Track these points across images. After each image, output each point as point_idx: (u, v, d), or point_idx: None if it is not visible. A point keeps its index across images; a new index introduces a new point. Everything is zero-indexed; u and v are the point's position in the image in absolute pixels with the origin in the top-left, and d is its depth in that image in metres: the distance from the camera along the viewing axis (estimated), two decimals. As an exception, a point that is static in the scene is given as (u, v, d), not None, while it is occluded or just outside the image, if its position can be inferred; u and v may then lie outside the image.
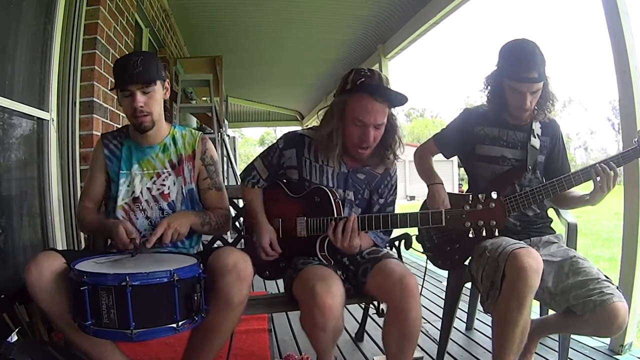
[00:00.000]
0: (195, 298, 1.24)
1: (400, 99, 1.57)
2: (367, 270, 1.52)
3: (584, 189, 1.65)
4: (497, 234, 1.36)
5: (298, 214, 1.61)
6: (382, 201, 1.70)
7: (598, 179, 1.53)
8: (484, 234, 1.35)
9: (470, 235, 1.37)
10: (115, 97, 2.64)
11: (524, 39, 1.63)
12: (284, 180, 1.70)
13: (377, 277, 1.49)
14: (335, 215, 1.55)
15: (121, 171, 1.59)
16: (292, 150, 1.66)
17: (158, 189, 1.59)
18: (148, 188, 1.59)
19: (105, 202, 1.65)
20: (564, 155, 1.77)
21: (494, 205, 1.33)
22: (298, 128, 2.18)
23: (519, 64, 1.58)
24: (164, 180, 1.60)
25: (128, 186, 1.59)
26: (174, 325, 1.21)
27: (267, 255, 1.61)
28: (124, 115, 2.79)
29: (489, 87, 1.73)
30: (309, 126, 2.19)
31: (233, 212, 2.06)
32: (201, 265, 1.31)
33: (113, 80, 1.53)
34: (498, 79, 1.68)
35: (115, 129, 2.62)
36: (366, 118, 1.52)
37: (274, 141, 1.77)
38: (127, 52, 2.92)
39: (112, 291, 1.15)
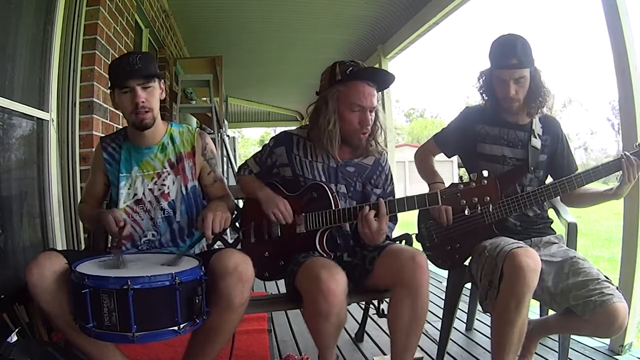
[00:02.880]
0: (197, 301, 1.24)
1: (389, 77, 1.65)
2: (375, 258, 1.53)
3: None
4: (491, 209, 1.41)
5: (296, 211, 1.63)
6: (379, 191, 1.71)
7: (625, 170, 1.53)
8: (479, 210, 1.39)
9: (467, 213, 1.40)
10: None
11: (511, 33, 1.68)
12: (280, 181, 1.72)
13: (387, 259, 1.50)
14: (334, 208, 1.57)
15: (121, 174, 1.59)
16: (281, 148, 1.71)
17: (159, 189, 1.60)
18: (150, 189, 1.60)
19: (108, 206, 1.65)
20: (568, 153, 1.77)
21: (486, 182, 1.37)
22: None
23: (499, 52, 1.64)
24: (164, 180, 1.61)
25: (129, 189, 1.59)
26: (176, 328, 1.21)
27: (285, 215, 1.60)
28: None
29: (480, 81, 1.75)
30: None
31: (233, 213, 2.07)
32: (202, 267, 1.31)
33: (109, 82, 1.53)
34: (489, 74, 1.72)
35: (114, 130, 2.63)
36: (364, 102, 1.57)
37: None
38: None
39: (113, 294, 1.15)
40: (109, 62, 2.55)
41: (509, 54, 1.61)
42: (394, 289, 1.48)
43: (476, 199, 1.36)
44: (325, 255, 1.59)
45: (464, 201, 1.38)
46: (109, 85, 1.54)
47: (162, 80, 1.59)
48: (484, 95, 1.77)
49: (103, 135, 2.44)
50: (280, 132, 1.78)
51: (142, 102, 1.49)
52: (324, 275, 1.35)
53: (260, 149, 1.81)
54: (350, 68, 1.58)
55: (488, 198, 1.36)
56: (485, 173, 1.37)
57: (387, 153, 1.77)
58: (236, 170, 1.93)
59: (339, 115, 1.60)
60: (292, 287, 1.53)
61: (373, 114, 1.61)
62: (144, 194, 1.59)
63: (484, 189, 1.36)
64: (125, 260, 1.36)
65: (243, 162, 1.82)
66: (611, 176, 1.64)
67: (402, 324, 1.44)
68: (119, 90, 1.51)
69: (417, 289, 1.41)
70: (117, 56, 2.69)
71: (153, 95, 1.52)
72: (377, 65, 5.00)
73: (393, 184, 1.77)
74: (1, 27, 1.94)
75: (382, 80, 1.64)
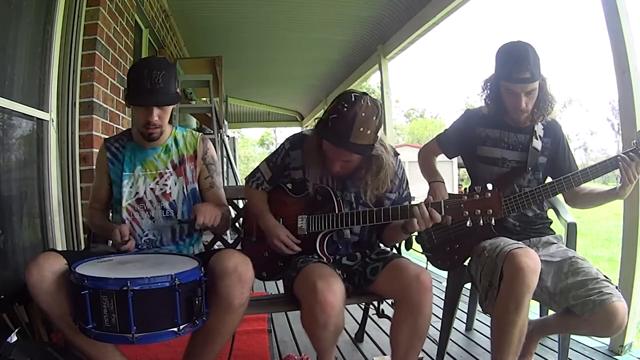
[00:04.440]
0: (197, 302, 1.24)
1: (364, 150, 1.46)
2: (378, 268, 1.53)
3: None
4: (493, 222, 1.41)
5: (299, 212, 1.63)
6: (393, 196, 1.68)
7: (624, 171, 1.52)
8: (481, 222, 1.38)
9: (468, 224, 1.40)
10: (115, 97, 2.67)
11: (519, 40, 1.64)
12: (289, 182, 1.71)
13: (391, 273, 1.50)
14: (337, 212, 1.57)
15: (124, 173, 1.61)
16: (298, 151, 1.68)
17: (161, 189, 1.62)
18: (151, 188, 1.62)
19: (111, 205, 1.67)
20: (569, 155, 1.77)
21: (489, 195, 1.37)
22: (298, 129, 2.18)
23: (511, 65, 1.60)
24: (166, 180, 1.63)
25: (131, 187, 1.61)
26: (175, 329, 1.21)
27: (289, 248, 1.60)
28: (124, 116, 2.80)
29: (486, 91, 1.74)
30: (308, 128, 2.19)
31: (233, 213, 2.07)
32: (202, 268, 1.31)
33: (126, 85, 1.53)
34: (495, 82, 1.70)
35: (114, 130, 2.63)
36: (333, 156, 1.52)
37: (275, 142, 1.79)
38: (127, 53, 2.91)
39: (113, 296, 1.15)
40: (109, 62, 2.59)
41: (522, 67, 1.57)
42: (396, 304, 1.49)
43: (479, 210, 1.37)
44: (324, 258, 1.59)
45: (467, 212, 1.39)
46: (126, 87, 1.54)
47: (178, 88, 1.59)
48: (489, 103, 1.74)
49: (103, 135, 2.45)
50: (296, 134, 1.72)
51: (156, 120, 1.52)
52: (321, 285, 1.35)
53: (273, 151, 1.76)
54: (335, 115, 1.43)
55: (491, 211, 1.36)
56: (489, 186, 1.38)
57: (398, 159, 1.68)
58: (237, 172, 1.91)
59: (323, 158, 1.55)
60: (290, 292, 1.53)
61: (356, 162, 1.54)
62: (145, 192, 1.61)
63: (487, 201, 1.37)
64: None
65: (255, 169, 1.78)
66: (611, 176, 1.63)
67: (403, 338, 1.45)
68: (134, 102, 1.53)
69: (420, 308, 1.41)
70: (117, 57, 2.71)
71: (167, 112, 1.55)
72: (376, 66, 5.03)
73: (409, 188, 1.73)
74: (1, 27, 1.93)
75: (357, 151, 1.46)
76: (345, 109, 1.42)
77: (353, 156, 1.49)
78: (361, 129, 1.41)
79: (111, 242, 1.60)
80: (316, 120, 1.55)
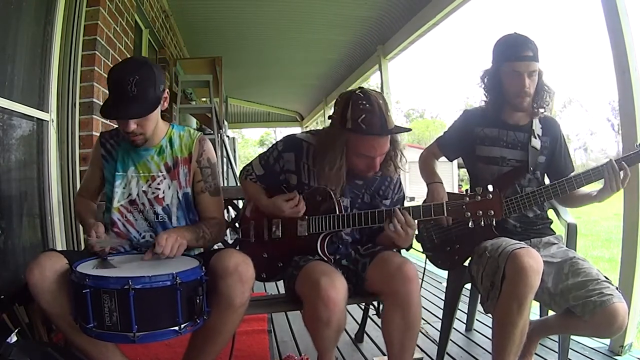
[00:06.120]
0: (198, 301, 1.24)
1: (401, 130, 1.54)
2: (366, 264, 1.54)
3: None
4: (494, 223, 1.44)
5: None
6: (388, 202, 1.68)
7: (609, 177, 1.53)
8: (482, 223, 1.40)
9: (470, 225, 1.42)
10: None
11: (516, 32, 1.69)
12: (285, 185, 1.69)
13: (377, 267, 1.50)
14: (337, 213, 1.56)
15: (117, 172, 1.56)
16: (291, 154, 1.66)
17: (153, 193, 1.56)
18: (144, 191, 1.56)
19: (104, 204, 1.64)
20: (566, 154, 1.77)
21: (491, 196, 1.40)
22: (298, 129, 2.18)
23: (514, 46, 1.64)
24: (158, 183, 1.57)
25: (124, 188, 1.56)
26: (176, 328, 1.21)
27: (297, 209, 1.57)
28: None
29: (485, 81, 1.74)
30: (308, 128, 2.18)
31: (233, 213, 2.07)
32: (203, 267, 1.31)
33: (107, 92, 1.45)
34: (494, 71, 1.71)
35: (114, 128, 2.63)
36: (372, 153, 1.51)
37: (274, 142, 1.76)
38: (127, 53, 2.92)
39: (114, 294, 1.15)
40: (110, 63, 2.58)
41: (524, 47, 1.62)
42: (385, 300, 1.49)
43: (480, 212, 1.39)
44: (325, 259, 1.58)
45: (469, 213, 1.40)
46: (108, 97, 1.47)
47: (165, 90, 1.49)
48: (487, 95, 1.75)
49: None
50: (290, 136, 1.70)
51: (133, 129, 1.44)
52: (324, 282, 1.35)
53: (266, 149, 1.74)
54: (363, 116, 1.45)
55: (492, 212, 1.38)
56: (490, 187, 1.40)
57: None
58: (237, 172, 1.90)
59: (345, 160, 1.54)
60: (292, 291, 1.53)
61: (383, 156, 1.55)
62: (137, 195, 1.56)
63: (488, 202, 1.39)
64: (110, 264, 1.35)
65: (247, 163, 1.76)
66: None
67: (395, 333, 1.44)
68: (104, 114, 1.47)
69: (406, 299, 1.40)
70: (117, 57, 2.71)
71: (147, 119, 1.46)
72: (376, 66, 5.02)
73: (401, 191, 1.72)
74: (1, 27, 1.94)
75: (397, 133, 1.55)
76: (367, 105, 1.46)
77: (387, 145, 1.53)
78: (389, 113, 1.49)
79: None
80: (345, 128, 1.49)
